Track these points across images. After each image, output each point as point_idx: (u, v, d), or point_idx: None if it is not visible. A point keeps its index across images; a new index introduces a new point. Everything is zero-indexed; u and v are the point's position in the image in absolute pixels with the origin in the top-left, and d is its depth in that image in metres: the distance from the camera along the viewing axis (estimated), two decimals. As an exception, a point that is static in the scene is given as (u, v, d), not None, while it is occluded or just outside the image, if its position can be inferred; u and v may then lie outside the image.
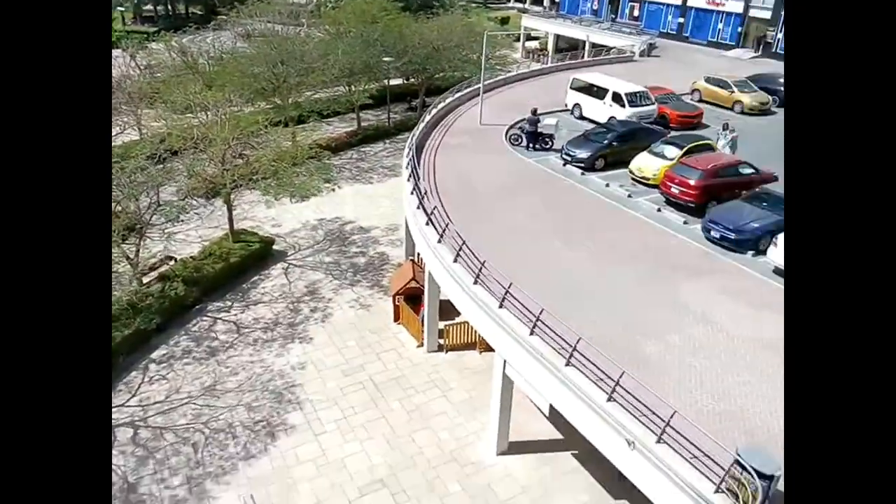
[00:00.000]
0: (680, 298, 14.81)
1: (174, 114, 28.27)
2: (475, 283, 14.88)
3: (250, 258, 23.42)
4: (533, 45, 59.77)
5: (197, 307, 21.08)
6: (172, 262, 22.52)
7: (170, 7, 71.90)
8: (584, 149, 23.39)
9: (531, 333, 12.97)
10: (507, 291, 13.87)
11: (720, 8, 48.44)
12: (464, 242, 15.74)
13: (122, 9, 66.93)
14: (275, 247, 25.06)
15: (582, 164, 23.00)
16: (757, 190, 19.07)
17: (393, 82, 41.08)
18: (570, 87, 30.29)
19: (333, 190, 26.25)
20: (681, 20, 51.47)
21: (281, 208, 27.59)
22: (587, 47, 50.35)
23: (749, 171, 20.47)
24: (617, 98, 27.85)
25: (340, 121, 38.76)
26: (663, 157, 21.89)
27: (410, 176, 20.38)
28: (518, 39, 59.85)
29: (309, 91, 34.53)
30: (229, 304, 21.58)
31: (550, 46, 56.76)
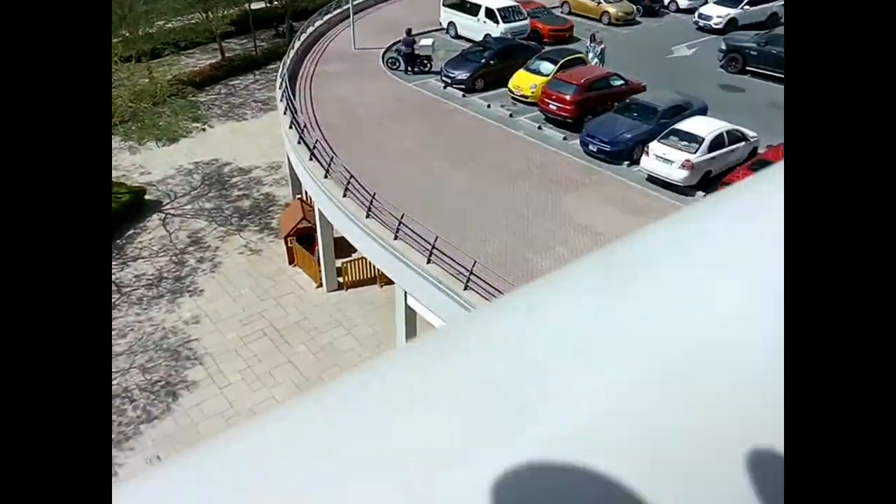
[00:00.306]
0: (563, 211, 15.58)
1: None
2: (367, 216, 14.79)
3: (121, 210, 21.67)
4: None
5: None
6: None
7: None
8: (462, 69, 23.23)
9: (428, 262, 13.22)
10: (400, 222, 13.92)
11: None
12: (351, 176, 15.48)
13: None
14: (147, 196, 23.28)
15: (462, 86, 22.92)
16: (627, 101, 19.99)
17: (255, 6, 38.12)
18: (443, 5, 29.61)
19: (204, 129, 24.61)
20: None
21: (148, 154, 25.42)
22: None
23: (619, 82, 21.33)
24: (490, 14, 27.62)
25: (202, 52, 35.64)
26: (539, 73, 22.23)
27: (287, 109, 19.49)
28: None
29: (160, 21, 31.33)
30: (104, 263, 20.08)
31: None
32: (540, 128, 20.15)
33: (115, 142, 24.05)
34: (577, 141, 18.85)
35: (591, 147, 18.20)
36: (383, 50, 26.23)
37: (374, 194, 14.73)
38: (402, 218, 13.86)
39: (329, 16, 29.72)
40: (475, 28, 28.06)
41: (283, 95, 20.49)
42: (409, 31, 24.92)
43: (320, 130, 19.05)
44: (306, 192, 19.79)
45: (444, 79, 23.34)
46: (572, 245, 14.32)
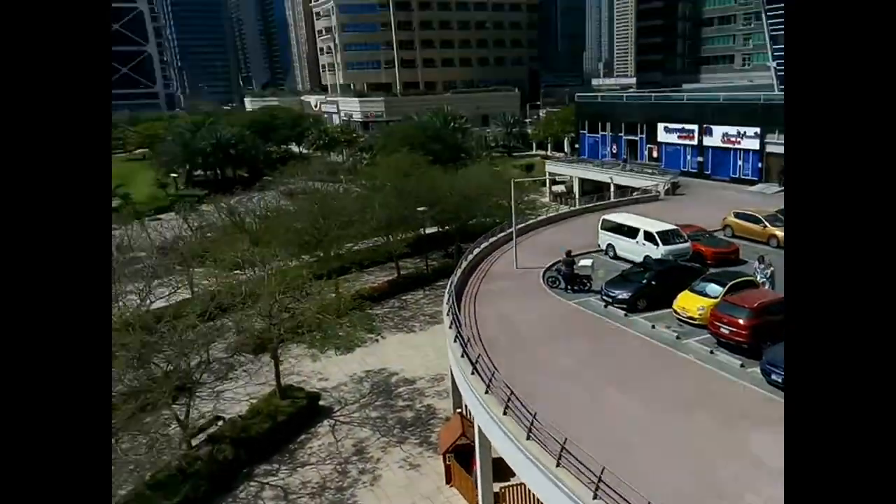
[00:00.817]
0: (748, 450, 14.07)
1: (223, 271, 29.72)
2: (528, 437, 14.42)
3: (297, 415, 23.26)
4: (559, 188, 62.40)
5: (245, 470, 20.69)
6: (221, 423, 22.49)
7: (218, 171, 77.76)
8: (624, 289, 23.54)
9: (595, 497, 12.33)
10: (563, 448, 13.38)
11: (738, 146, 50.51)
12: (512, 392, 15.45)
13: (175, 175, 72.67)
14: (321, 402, 24.95)
15: (624, 305, 23.03)
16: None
17: (428, 230, 42.77)
18: (601, 228, 31.10)
19: (377, 340, 26.60)
20: (700, 159, 53.59)
21: (327, 361, 27.81)
22: (612, 189, 52.32)
23: (796, 306, 20.20)
24: (649, 237, 28.42)
25: (381, 270, 40.01)
26: (706, 295, 21.85)
27: (452, 323, 20.47)
28: (544, 184, 62.64)
29: (349, 243, 36.11)
30: (276, 466, 21.15)
31: (576, 189, 59.12)
32: (712, 352, 19.22)
33: (301, 349, 26.63)
34: (758, 369, 17.62)
35: (773, 377, 16.85)
36: (544, 269, 27.58)
37: (535, 414, 14.44)
38: (564, 443, 13.35)
39: (494, 238, 32.37)
40: (634, 250, 28.84)
41: (449, 310, 21.78)
42: (568, 252, 26.23)
43: (483, 345, 19.72)
44: (466, 407, 19.97)
45: (604, 298, 23.69)
46: (766, 495, 12.56)
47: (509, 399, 15.45)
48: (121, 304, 26.70)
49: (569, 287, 25.26)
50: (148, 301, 26.99)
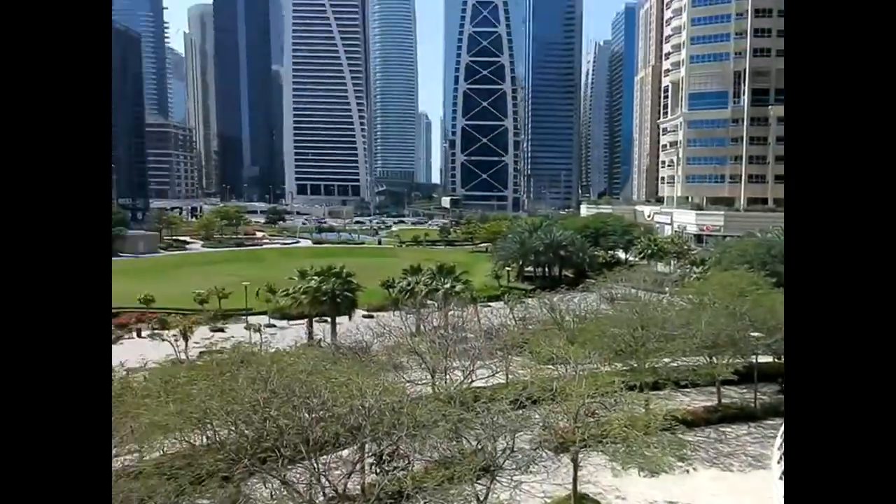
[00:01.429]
0: None
1: (538, 363, 30.85)
2: None
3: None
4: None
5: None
6: (513, 512, 22.71)
7: (547, 269, 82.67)
8: None
9: None
10: None
11: None
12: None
13: (509, 269, 79.63)
14: (615, 521, 23.36)
15: None
16: None
17: (761, 359, 37.90)
18: None
19: (687, 471, 24.05)
20: None
21: (628, 478, 26.12)
22: None
23: None
24: None
25: (698, 393, 36.66)
26: None
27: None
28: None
29: (667, 358, 34.13)
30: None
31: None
32: None
33: (602, 459, 25.59)
34: None
35: None
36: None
37: None
38: None
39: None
40: None
41: (780, 458, 18.65)
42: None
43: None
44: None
45: None
46: None
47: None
48: (448, 377, 29.76)
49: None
50: (469, 379, 29.49)
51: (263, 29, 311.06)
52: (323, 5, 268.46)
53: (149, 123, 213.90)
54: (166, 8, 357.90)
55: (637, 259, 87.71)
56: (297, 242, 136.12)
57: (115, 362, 38.18)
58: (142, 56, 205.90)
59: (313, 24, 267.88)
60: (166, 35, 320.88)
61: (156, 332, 49.61)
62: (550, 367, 29.44)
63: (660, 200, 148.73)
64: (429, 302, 51.31)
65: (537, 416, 25.63)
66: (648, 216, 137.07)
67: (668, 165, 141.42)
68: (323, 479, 19.02)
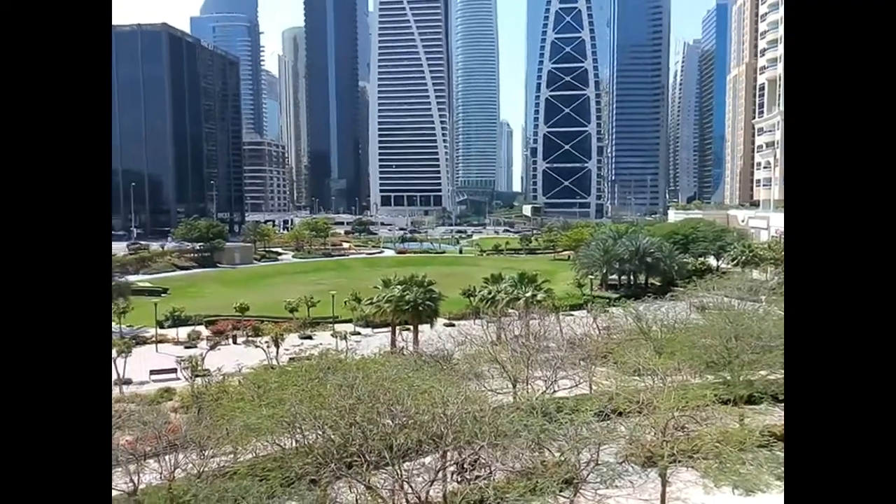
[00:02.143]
0: None
1: (623, 375, 29.96)
2: None
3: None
4: None
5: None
6: (597, 527, 22.15)
7: (632, 277, 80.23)
8: None
9: None
10: None
11: None
12: None
13: (592, 277, 77.91)
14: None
15: None
16: None
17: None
18: None
19: (786, 491, 22.54)
20: None
21: (721, 496, 24.84)
22: None
23: None
24: None
25: (799, 408, 34.31)
26: None
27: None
28: None
29: (764, 370, 32.24)
30: None
31: None
32: None
33: (692, 475, 24.48)
34: None
35: None
36: None
37: None
38: None
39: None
40: None
41: None
42: None
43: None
44: None
45: None
46: None
47: None
48: (529, 387, 29.46)
49: None
50: (552, 389, 29.05)
51: (351, 47, 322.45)
52: (407, 20, 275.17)
53: (245, 142, 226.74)
54: (262, 32, 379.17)
55: (730, 266, 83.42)
56: (382, 252, 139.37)
57: (212, 368, 40.61)
58: (239, 79, 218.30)
59: (398, 39, 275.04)
60: (262, 58, 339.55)
61: (250, 338, 52.27)
62: (636, 378, 28.54)
63: (755, 204, 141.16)
64: (510, 311, 51.10)
65: (623, 429, 24.89)
66: (742, 221, 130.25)
67: (765, 167, 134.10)
68: (406, 486, 19.32)
